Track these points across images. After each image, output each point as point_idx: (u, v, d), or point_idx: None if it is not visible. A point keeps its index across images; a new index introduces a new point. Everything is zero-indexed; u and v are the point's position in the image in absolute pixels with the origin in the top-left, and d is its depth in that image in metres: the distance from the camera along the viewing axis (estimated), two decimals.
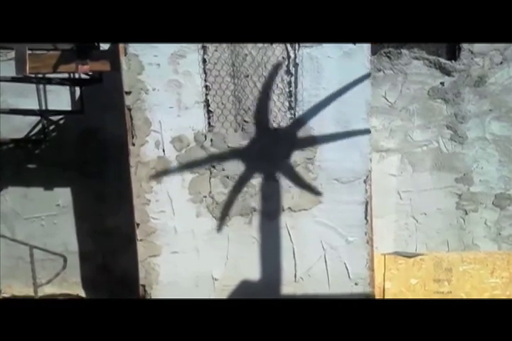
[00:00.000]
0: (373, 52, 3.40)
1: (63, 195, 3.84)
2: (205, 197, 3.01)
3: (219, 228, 3.03)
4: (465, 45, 3.77)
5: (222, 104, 2.97)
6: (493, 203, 3.87)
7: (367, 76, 2.96)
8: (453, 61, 3.79)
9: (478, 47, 3.76)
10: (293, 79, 2.96)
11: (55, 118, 3.77)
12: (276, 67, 2.95)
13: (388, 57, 3.80)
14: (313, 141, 3.00)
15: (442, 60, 3.79)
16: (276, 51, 2.93)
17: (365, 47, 2.94)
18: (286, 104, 2.98)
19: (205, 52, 2.92)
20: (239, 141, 3.00)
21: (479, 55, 3.77)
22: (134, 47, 2.87)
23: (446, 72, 3.79)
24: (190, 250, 3.01)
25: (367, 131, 2.99)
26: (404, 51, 3.79)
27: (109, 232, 3.82)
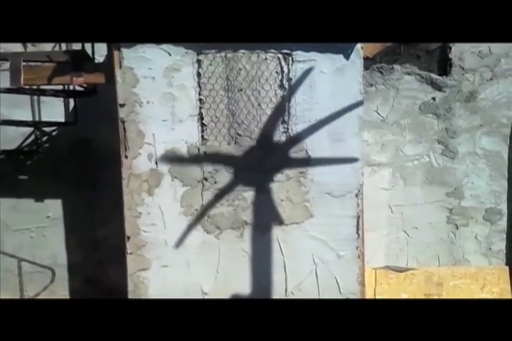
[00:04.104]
0: (366, 68, 3.45)
1: (54, 207, 3.81)
2: (196, 210, 3.00)
3: (210, 241, 3.02)
4: (456, 62, 3.84)
5: (216, 117, 2.99)
6: (483, 218, 3.90)
7: (360, 103, 2.98)
8: (444, 77, 3.86)
9: (468, 63, 3.84)
10: (286, 93, 2.99)
11: (48, 129, 3.77)
12: (270, 82, 2.98)
13: (380, 72, 3.85)
14: (306, 155, 3.02)
15: (433, 76, 3.85)
16: (270, 65, 2.97)
17: (358, 63, 2.99)
18: (280, 117, 3.01)
19: (199, 66, 2.94)
20: (232, 154, 3.01)
21: (470, 71, 3.84)
22: (128, 60, 2.89)
23: (438, 88, 3.85)
24: (180, 264, 2.99)
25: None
26: (396, 66, 3.85)
27: (99, 245, 3.79)
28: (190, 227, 3.00)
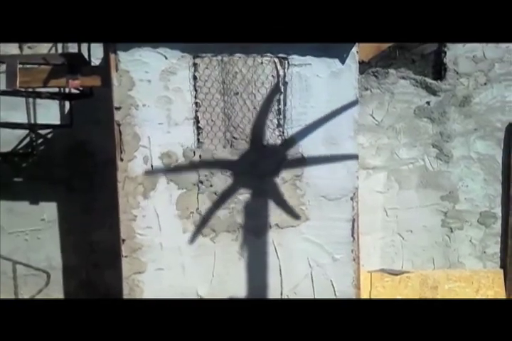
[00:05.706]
0: (361, 72, 3.47)
1: (49, 210, 3.79)
2: (192, 213, 3.00)
3: (205, 245, 3.02)
4: (451, 66, 3.87)
5: (212, 120, 3.00)
6: (478, 221, 3.92)
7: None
8: (439, 81, 3.88)
9: (463, 67, 3.87)
10: (282, 97, 3.00)
11: (43, 132, 3.76)
12: (266, 85, 3.00)
13: (375, 76, 3.88)
14: (301, 158, 3.03)
15: (428, 80, 3.88)
16: (266, 69, 2.98)
17: (353, 67, 3.01)
18: (275, 121, 3.02)
19: (196, 70, 2.95)
20: (227, 157, 3.02)
21: (464, 76, 3.87)
22: (125, 64, 2.90)
23: (432, 92, 3.88)
24: (175, 267, 2.98)
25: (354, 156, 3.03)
26: (391, 71, 3.87)
27: (94, 247, 3.78)
28: (186, 230, 3.00)
